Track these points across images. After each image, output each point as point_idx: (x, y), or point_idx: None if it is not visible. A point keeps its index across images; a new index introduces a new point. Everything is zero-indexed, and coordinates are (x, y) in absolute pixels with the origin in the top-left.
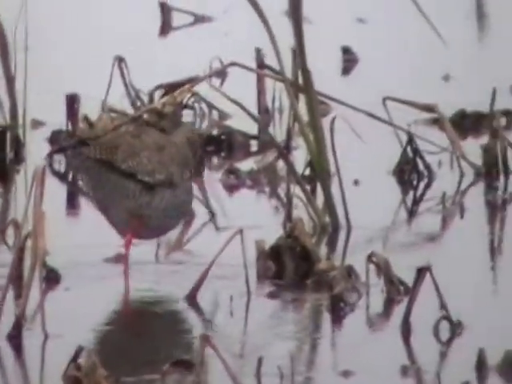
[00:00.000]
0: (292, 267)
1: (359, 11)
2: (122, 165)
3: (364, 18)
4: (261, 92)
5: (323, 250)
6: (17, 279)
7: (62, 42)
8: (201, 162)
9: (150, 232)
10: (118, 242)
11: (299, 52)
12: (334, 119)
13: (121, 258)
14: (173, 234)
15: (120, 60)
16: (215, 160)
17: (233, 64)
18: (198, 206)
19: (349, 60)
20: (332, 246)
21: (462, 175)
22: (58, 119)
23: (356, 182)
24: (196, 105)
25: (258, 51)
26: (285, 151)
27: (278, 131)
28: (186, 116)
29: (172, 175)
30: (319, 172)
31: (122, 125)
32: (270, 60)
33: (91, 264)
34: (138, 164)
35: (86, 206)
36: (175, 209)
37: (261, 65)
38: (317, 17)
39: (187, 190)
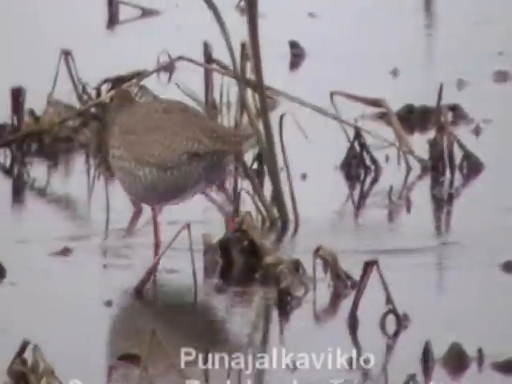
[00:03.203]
0: (240, 261)
1: (311, 6)
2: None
3: (315, 12)
4: (208, 86)
5: (271, 244)
6: None
7: (5, 34)
8: None
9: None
10: (63, 236)
11: (253, 47)
12: (283, 114)
13: (66, 252)
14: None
15: (66, 53)
16: None
17: (180, 58)
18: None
19: (297, 55)
20: (280, 239)
21: (408, 170)
22: (2, 113)
23: (304, 177)
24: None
25: (206, 45)
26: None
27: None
28: None
29: None
30: (269, 166)
31: (69, 119)
32: (219, 54)
33: (36, 258)
34: None
35: (31, 200)
36: None
37: (209, 59)
38: (269, 11)
39: None
